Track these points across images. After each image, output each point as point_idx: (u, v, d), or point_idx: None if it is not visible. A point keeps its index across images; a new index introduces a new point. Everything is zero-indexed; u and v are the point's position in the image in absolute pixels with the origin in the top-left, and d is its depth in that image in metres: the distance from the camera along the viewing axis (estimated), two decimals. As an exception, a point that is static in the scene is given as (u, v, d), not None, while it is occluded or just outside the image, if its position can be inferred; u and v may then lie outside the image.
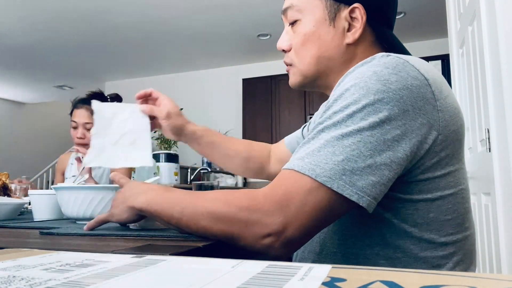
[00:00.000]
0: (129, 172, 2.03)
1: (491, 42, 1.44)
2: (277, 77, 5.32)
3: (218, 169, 5.48)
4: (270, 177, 1.11)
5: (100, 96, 1.90)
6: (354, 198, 0.57)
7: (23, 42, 4.99)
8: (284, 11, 0.80)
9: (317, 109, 5.65)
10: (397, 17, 4.35)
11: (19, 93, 7.45)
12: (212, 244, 0.67)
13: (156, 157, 4.06)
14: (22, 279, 0.31)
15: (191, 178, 4.81)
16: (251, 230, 0.59)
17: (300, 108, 5.16)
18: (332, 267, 0.33)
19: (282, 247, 0.58)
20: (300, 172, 0.58)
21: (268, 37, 4.93)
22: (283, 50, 0.82)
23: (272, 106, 5.33)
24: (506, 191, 1.36)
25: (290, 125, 5.20)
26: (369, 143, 0.58)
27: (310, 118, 5.03)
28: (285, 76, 5.21)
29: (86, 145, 1.89)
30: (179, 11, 4.22)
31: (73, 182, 1.48)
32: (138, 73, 6.40)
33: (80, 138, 1.89)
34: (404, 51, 0.78)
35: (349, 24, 0.74)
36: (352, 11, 0.74)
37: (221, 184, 4.76)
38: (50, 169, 7.07)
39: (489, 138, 1.48)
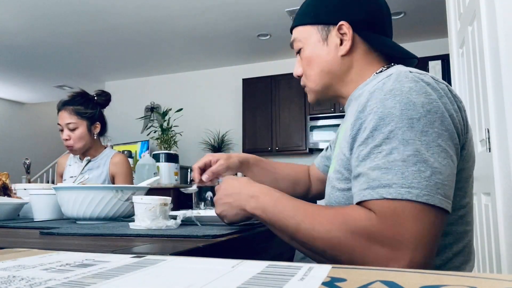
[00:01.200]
0: (130, 173, 2.03)
1: (491, 42, 1.44)
2: (277, 77, 5.32)
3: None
4: (314, 198, 1.18)
5: (82, 96, 1.92)
6: (449, 208, 0.61)
7: (23, 42, 4.99)
8: (291, 44, 0.94)
9: (317, 109, 5.57)
10: (397, 17, 4.36)
11: (19, 93, 7.44)
12: (212, 244, 0.67)
13: (156, 157, 4.06)
14: (22, 279, 0.31)
15: (191, 178, 4.81)
16: (376, 263, 0.59)
17: (300, 108, 5.16)
18: (332, 267, 0.33)
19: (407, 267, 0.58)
20: (398, 199, 0.59)
21: (268, 37, 4.93)
22: (298, 76, 0.95)
23: (272, 106, 5.33)
24: (506, 191, 1.36)
25: (290, 125, 5.20)
26: (441, 152, 0.62)
27: (310, 118, 5.05)
28: (285, 76, 5.19)
29: (72, 146, 1.91)
30: (179, 11, 4.22)
31: (73, 182, 1.47)
32: (138, 73, 6.40)
33: (66, 139, 1.89)
34: (400, 52, 0.87)
35: (341, 40, 0.86)
36: (339, 28, 0.85)
37: (221, 184, 4.74)
38: (50, 169, 7.07)
39: (489, 138, 1.48)
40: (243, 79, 5.55)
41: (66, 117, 1.89)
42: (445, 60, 2.71)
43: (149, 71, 6.28)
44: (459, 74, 2.12)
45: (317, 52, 0.88)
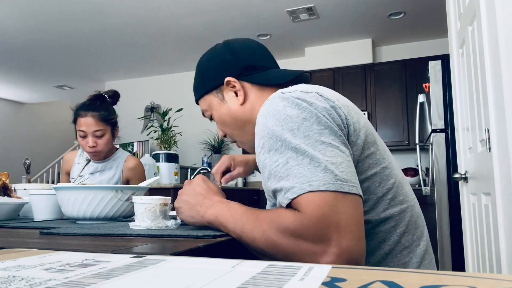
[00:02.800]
0: (144, 176, 2.01)
1: (491, 42, 1.44)
2: (277, 77, 5.31)
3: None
4: None
5: (100, 98, 1.85)
6: (355, 190, 0.65)
7: (23, 42, 4.99)
8: (203, 115, 1.06)
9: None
10: (397, 17, 4.36)
11: (19, 93, 7.45)
12: (212, 244, 0.67)
13: (156, 157, 4.06)
14: (22, 279, 0.31)
15: (191, 178, 4.81)
16: (307, 259, 0.62)
17: (300, 108, 5.16)
18: (332, 267, 0.33)
19: (350, 261, 0.61)
20: (301, 194, 0.63)
21: (268, 37, 4.93)
22: (224, 137, 1.06)
23: (272, 106, 5.32)
24: (506, 191, 1.36)
25: (290, 125, 5.19)
26: (330, 145, 0.68)
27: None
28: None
29: (99, 152, 1.85)
30: (179, 11, 4.22)
31: (74, 182, 1.47)
32: (138, 73, 6.40)
33: (93, 147, 1.81)
34: (286, 76, 0.96)
35: (235, 92, 0.97)
36: (227, 83, 0.96)
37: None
38: (50, 169, 7.07)
39: (489, 138, 1.48)
40: (243, 79, 5.54)
41: (93, 124, 1.79)
42: (445, 60, 2.71)
43: (149, 71, 6.28)
44: (459, 74, 2.12)
45: (223, 111, 0.99)
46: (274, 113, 0.73)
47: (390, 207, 0.77)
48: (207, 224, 0.79)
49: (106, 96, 1.87)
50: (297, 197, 0.64)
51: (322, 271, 0.32)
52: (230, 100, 0.97)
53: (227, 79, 0.96)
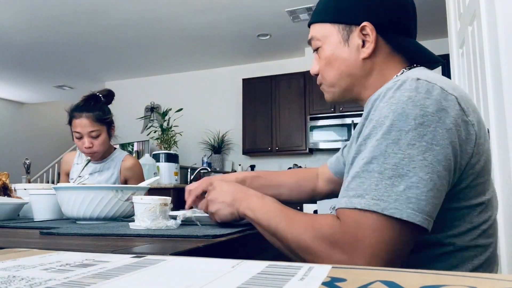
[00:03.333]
0: (143, 175, 2.01)
1: (491, 42, 1.44)
2: (277, 77, 5.32)
3: (218, 169, 5.48)
4: (322, 197, 1.20)
5: (94, 98, 1.84)
6: (425, 224, 0.60)
7: (23, 42, 4.99)
8: (309, 42, 0.91)
9: (317, 109, 5.57)
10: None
11: (19, 93, 7.44)
12: (212, 244, 0.67)
13: (156, 157, 4.06)
14: (22, 279, 0.31)
15: (191, 178, 4.81)
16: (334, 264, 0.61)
17: (300, 108, 5.16)
18: (332, 267, 0.33)
19: None
20: (364, 210, 0.60)
21: (268, 37, 4.93)
22: (315, 74, 0.92)
23: (272, 106, 5.32)
24: (506, 191, 1.36)
25: (290, 125, 5.20)
26: (424, 167, 0.61)
27: (310, 118, 5.05)
28: (285, 76, 5.18)
29: (96, 153, 1.85)
30: (179, 11, 4.22)
31: (73, 182, 1.47)
32: (138, 73, 6.40)
33: (89, 147, 1.81)
34: (424, 55, 0.84)
35: (363, 41, 0.82)
36: (362, 29, 0.81)
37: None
38: (50, 169, 7.07)
39: (489, 138, 1.48)
40: (243, 79, 5.55)
41: (88, 125, 1.79)
42: (445, 60, 2.71)
43: (149, 71, 6.28)
44: (459, 74, 2.12)
45: (337, 53, 0.84)
46: (394, 102, 0.65)
47: (479, 238, 0.71)
48: (242, 216, 0.80)
49: (100, 96, 1.87)
50: (360, 209, 0.60)
51: (322, 271, 0.32)
52: (353, 47, 0.83)
53: (365, 23, 0.81)
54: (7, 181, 1.34)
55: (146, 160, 3.83)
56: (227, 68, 6.03)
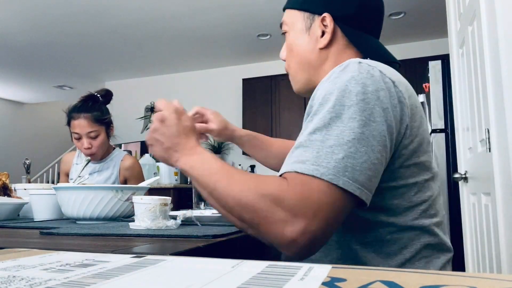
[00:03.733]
0: (142, 175, 2.01)
1: (491, 42, 1.44)
2: (277, 77, 5.32)
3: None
4: None
5: (92, 99, 1.85)
6: (357, 193, 0.62)
7: (23, 42, 4.99)
8: (280, 26, 0.94)
9: (317, 109, 5.60)
10: (397, 17, 4.36)
11: (19, 93, 7.44)
12: (212, 244, 0.67)
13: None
14: (22, 279, 0.31)
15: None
16: (274, 223, 0.61)
17: (300, 108, 5.16)
18: (332, 267, 0.33)
19: (307, 244, 0.61)
20: (306, 174, 0.62)
21: (268, 37, 4.93)
22: (284, 60, 0.96)
23: (272, 106, 5.32)
24: (506, 191, 1.36)
25: (290, 125, 5.20)
26: (362, 140, 0.64)
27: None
28: (285, 76, 5.19)
29: (95, 153, 1.85)
30: (179, 11, 4.22)
31: (73, 182, 1.47)
32: (138, 73, 6.40)
33: (88, 148, 1.82)
34: (380, 53, 0.87)
35: (322, 31, 0.86)
36: (323, 20, 0.86)
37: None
38: (50, 169, 7.07)
39: (489, 138, 1.48)
40: (243, 79, 5.55)
41: (86, 126, 1.79)
42: (445, 60, 2.70)
43: (149, 71, 6.28)
44: (459, 74, 2.12)
45: (299, 40, 0.89)
46: (338, 81, 0.69)
47: (420, 218, 0.75)
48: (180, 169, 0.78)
49: (98, 96, 1.87)
50: (301, 173, 0.62)
51: (322, 271, 0.32)
52: (313, 36, 0.87)
53: (325, 14, 0.85)
54: (7, 181, 1.34)
55: (146, 160, 3.83)
56: (227, 68, 6.03)
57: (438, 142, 2.82)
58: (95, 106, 1.84)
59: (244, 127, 5.42)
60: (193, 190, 1.30)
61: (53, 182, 6.85)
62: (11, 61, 5.66)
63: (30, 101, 8.06)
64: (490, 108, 1.47)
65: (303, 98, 5.13)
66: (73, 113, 1.82)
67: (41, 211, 1.23)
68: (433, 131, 2.84)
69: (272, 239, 0.62)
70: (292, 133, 5.17)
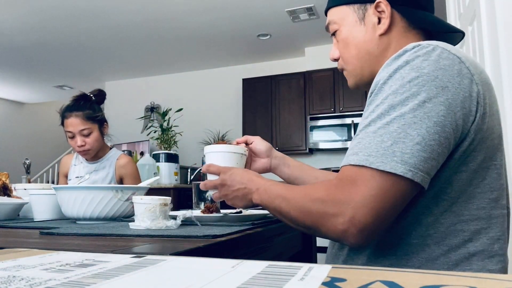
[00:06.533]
0: (138, 173, 2.01)
1: (491, 42, 1.44)
2: (277, 77, 5.32)
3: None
4: None
5: (83, 98, 1.87)
6: (408, 175, 0.61)
7: (23, 42, 4.99)
8: (327, 28, 0.92)
9: (317, 109, 5.58)
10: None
11: (19, 93, 7.44)
12: (212, 244, 0.67)
13: (156, 157, 4.06)
14: (22, 279, 0.31)
15: (191, 178, 4.81)
16: (327, 220, 0.65)
17: (300, 108, 5.16)
18: (332, 267, 0.33)
19: (358, 233, 0.62)
20: (357, 165, 0.64)
21: (268, 37, 4.93)
22: (335, 59, 0.92)
23: (272, 106, 5.32)
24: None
25: (290, 125, 5.20)
26: (413, 124, 0.63)
27: (310, 118, 5.05)
28: (285, 76, 5.19)
29: (89, 151, 1.87)
30: (179, 11, 4.22)
31: (79, 180, 1.47)
32: (138, 73, 6.40)
33: (81, 145, 1.84)
34: (442, 27, 0.83)
35: (379, 18, 0.83)
36: (377, 6, 0.82)
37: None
38: (50, 169, 7.07)
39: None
40: (243, 79, 5.55)
41: (79, 124, 1.83)
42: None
43: (149, 71, 6.28)
44: (459, 74, 2.11)
45: (354, 33, 0.85)
46: (404, 65, 0.67)
47: (490, 208, 0.70)
48: (254, 205, 0.86)
49: (90, 95, 1.91)
50: (353, 165, 0.64)
51: (322, 271, 0.32)
52: (369, 24, 0.83)
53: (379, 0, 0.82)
54: (7, 181, 1.34)
55: (146, 160, 3.83)
56: (227, 68, 6.03)
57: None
58: (87, 105, 1.87)
59: (244, 127, 5.43)
60: (193, 190, 1.30)
61: (53, 182, 6.85)
62: (11, 61, 5.66)
63: (30, 101, 8.06)
64: (490, 108, 1.47)
65: (304, 98, 5.13)
66: (65, 112, 1.87)
67: (41, 211, 1.23)
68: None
69: (332, 236, 0.65)
70: (292, 133, 5.17)
